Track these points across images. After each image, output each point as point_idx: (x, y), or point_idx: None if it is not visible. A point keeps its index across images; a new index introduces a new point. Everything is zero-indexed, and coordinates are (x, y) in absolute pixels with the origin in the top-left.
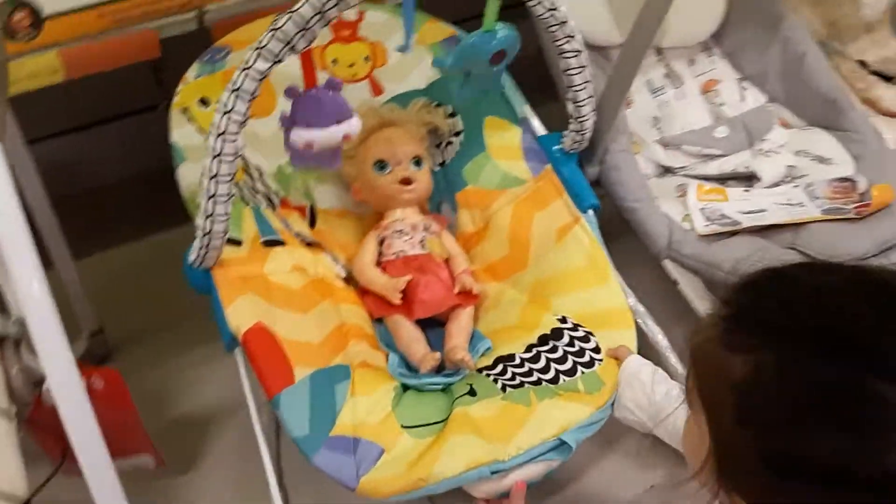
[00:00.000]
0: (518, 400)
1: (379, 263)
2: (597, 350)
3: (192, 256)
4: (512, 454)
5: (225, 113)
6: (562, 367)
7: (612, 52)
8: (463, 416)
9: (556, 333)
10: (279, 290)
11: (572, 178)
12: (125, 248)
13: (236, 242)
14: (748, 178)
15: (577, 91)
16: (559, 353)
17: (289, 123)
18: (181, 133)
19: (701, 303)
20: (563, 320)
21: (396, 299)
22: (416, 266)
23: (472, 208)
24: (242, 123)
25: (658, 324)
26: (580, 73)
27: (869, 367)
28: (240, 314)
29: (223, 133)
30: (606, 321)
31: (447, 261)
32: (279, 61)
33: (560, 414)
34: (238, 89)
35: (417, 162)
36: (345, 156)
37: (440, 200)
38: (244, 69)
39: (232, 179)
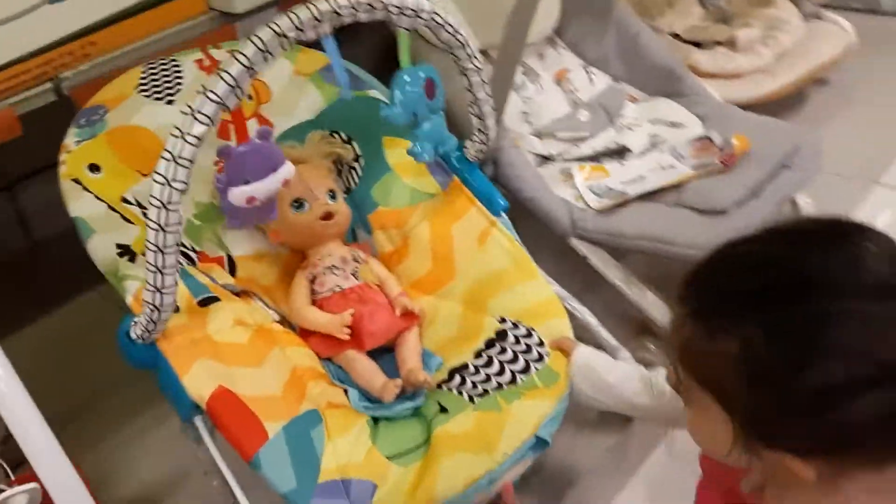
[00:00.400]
0: (489, 407)
1: (314, 302)
2: (541, 344)
3: (136, 332)
4: (500, 461)
5: (166, 183)
6: (515, 367)
7: None
8: (444, 435)
9: (501, 335)
10: (229, 349)
11: (481, 185)
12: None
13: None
14: (619, 153)
15: (481, 105)
16: (509, 354)
17: (224, 184)
18: (80, 205)
19: (611, 270)
20: (503, 320)
21: (345, 335)
22: (354, 298)
23: (388, 228)
24: (184, 192)
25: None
26: (482, 88)
27: (829, 294)
28: (198, 382)
29: (167, 204)
30: (541, 314)
31: (379, 286)
32: (214, 123)
33: (530, 412)
34: (178, 157)
35: (332, 195)
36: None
37: (353, 226)
38: (181, 135)
39: (177, 249)
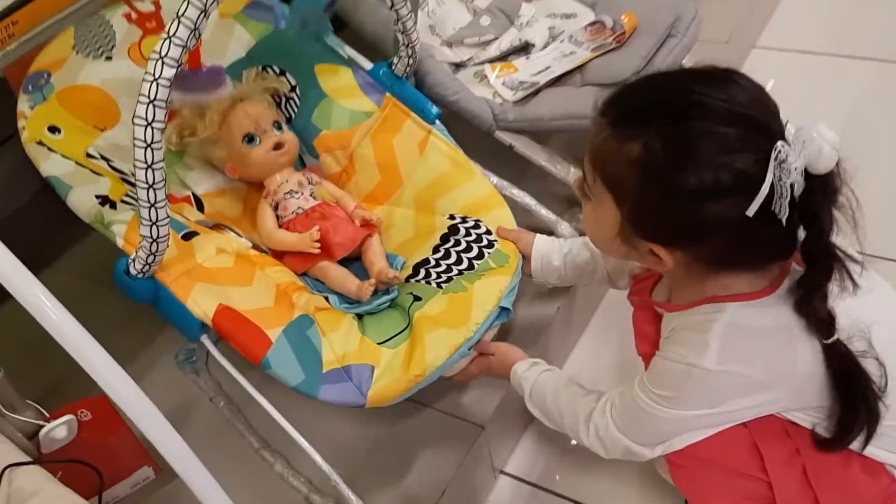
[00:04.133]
0: (456, 290)
1: (281, 225)
2: (489, 232)
3: (136, 267)
4: (474, 330)
5: (147, 125)
6: (470, 255)
7: None
8: (423, 318)
9: (453, 229)
10: (220, 273)
11: (413, 97)
12: None
13: None
14: (524, 49)
15: (404, 21)
16: (463, 245)
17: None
18: (50, 165)
19: (536, 153)
20: (452, 217)
21: (315, 249)
22: (317, 216)
23: (333, 151)
24: (162, 131)
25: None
26: (404, 6)
27: (706, 118)
28: (201, 303)
29: (150, 143)
30: (485, 206)
31: (337, 203)
32: (180, 64)
33: (491, 288)
34: (154, 100)
35: (279, 126)
36: (209, 141)
37: (300, 153)
38: (154, 79)
39: (165, 185)
